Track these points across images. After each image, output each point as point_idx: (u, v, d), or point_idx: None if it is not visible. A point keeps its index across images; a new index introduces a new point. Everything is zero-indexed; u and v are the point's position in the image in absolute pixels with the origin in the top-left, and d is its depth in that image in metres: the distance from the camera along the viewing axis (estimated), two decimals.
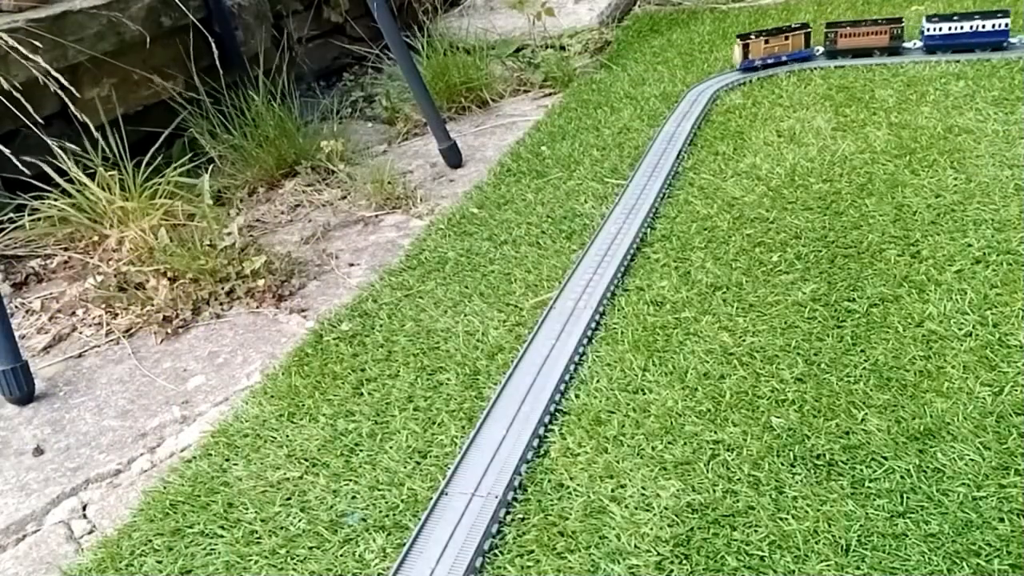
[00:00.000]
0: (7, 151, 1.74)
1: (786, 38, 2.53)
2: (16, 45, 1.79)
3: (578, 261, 1.65)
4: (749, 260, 1.61)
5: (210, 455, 1.30)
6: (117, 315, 1.73)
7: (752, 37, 2.52)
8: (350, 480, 1.21)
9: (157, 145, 2.08)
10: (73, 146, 1.88)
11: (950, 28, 2.38)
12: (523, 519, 1.11)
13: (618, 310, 1.51)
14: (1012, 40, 2.41)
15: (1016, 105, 2.07)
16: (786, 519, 1.05)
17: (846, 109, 2.20)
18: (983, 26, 2.36)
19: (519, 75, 2.86)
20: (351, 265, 1.88)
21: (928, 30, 2.44)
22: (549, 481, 1.16)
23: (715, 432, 1.20)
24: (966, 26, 2.38)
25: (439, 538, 1.06)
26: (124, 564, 1.13)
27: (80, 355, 1.65)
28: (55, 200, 1.88)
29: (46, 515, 1.27)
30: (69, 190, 1.88)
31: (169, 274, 1.77)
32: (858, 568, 0.98)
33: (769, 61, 2.54)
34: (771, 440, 1.17)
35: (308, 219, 2.11)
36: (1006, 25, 2.35)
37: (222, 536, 1.15)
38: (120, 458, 1.36)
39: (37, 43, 1.85)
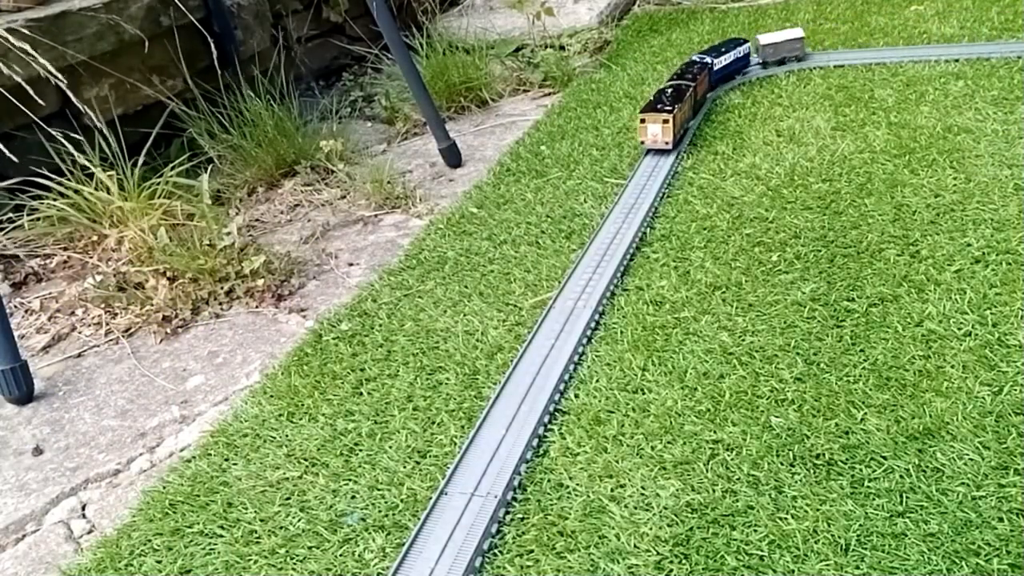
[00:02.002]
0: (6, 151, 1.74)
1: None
2: (17, 43, 1.78)
3: (577, 261, 1.65)
4: (748, 260, 1.61)
5: (209, 455, 1.30)
6: (116, 315, 1.73)
7: (666, 107, 2.04)
8: (350, 480, 1.21)
9: (151, 144, 2.08)
10: (74, 142, 1.88)
11: (721, 63, 2.46)
12: (523, 519, 1.11)
13: (617, 310, 1.51)
14: (751, 63, 2.60)
15: (1015, 105, 2.07)
16: (785, 519, 1.05)
17: (845, 109, 2.20)
18: (740, 54, 2.52)
19: (518, 75, 2.86)
20: (350, 265, 1.88)
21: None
22: (549, 481, 1.16)
23: (714, 432, 1.20)
24: (727, 59, 2.49)
25: (439, 538, 1.06)
26: (123, 564, 1.13)
27: (79, 355, 1.65)
28: (54, 200, 1.88)
29: (45, 515, 1.27)
30: (67, 191, 1.88)
31: (168, 274, 1.77)
32: (857, 568, 0.98)
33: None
34: (770, 440, 1.17)
35: (307, 219, 2.11)
36: (747, 51, 2.54)
37: (221, 536, 1.15)
38: (119, 458, 1.36)
39: (35, 43, 1.85)
